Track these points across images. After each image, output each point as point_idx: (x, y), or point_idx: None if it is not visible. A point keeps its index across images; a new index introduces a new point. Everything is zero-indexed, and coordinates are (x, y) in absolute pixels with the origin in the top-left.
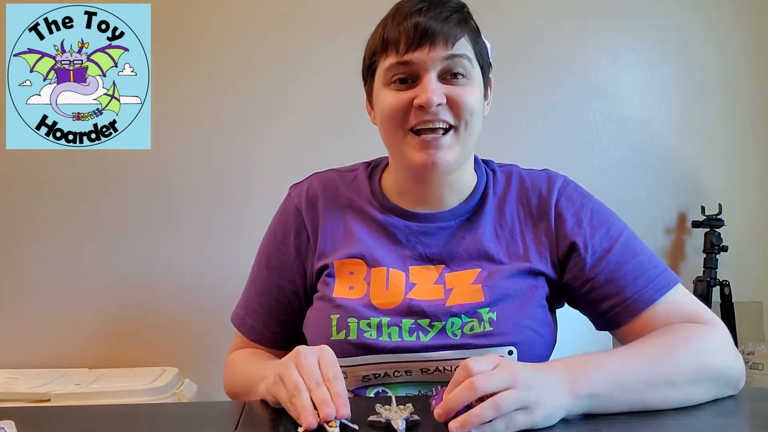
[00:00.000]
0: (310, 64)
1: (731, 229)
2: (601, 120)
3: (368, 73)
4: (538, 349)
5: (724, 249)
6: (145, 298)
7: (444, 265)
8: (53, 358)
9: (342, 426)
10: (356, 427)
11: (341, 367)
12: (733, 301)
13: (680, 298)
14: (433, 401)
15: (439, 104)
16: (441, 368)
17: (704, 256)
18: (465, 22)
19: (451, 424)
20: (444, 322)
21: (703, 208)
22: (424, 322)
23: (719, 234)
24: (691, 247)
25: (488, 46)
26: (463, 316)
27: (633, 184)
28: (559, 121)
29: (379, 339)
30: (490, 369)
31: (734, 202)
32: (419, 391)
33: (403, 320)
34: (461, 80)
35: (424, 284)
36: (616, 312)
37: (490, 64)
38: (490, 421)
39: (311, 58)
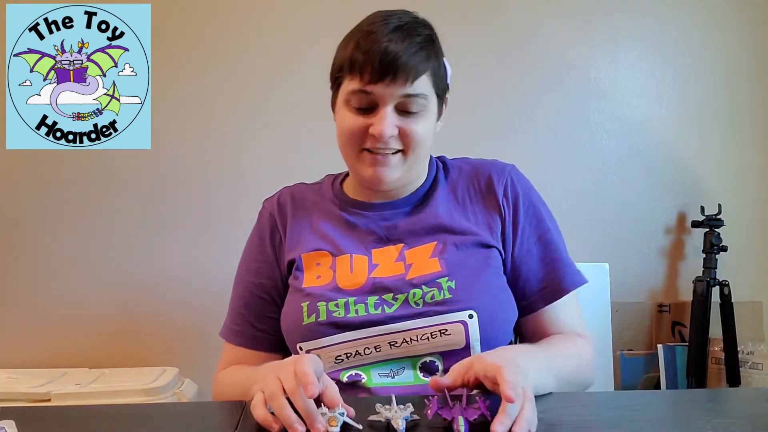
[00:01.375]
0: (312, 63)
1: (731, 229)
2: (601, 120)
3: (334, 82)
4: (497, 312)
5: (724, 249)
6: (145, 298)
7: (402, 243)
8: (53, 358)
9: (344, 426)
10: (360, 426)
11: (314, 350)
12: (732, 301)
13: (575, 300)
14: (429, 411)
15: (390, 136)
16: (408, 339)
17: (704, 256)
18: (430, 56)
19: (515, 429)
20: (406, 293)
21: (702, 208)
22: (388, 296)
23: (719, 234)
24: (691, 247)
25: (449, 70)
26: (423, 286)
27: (633, 184)
28: (559, 121)
29: (347, 316)
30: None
31: (734, 202)
32: (390, 370)
33: (369, 297)
34: (415, 115)
35: (386, 263)
36: (535, 299)
37: (447, 88)
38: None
39: (312, 59)
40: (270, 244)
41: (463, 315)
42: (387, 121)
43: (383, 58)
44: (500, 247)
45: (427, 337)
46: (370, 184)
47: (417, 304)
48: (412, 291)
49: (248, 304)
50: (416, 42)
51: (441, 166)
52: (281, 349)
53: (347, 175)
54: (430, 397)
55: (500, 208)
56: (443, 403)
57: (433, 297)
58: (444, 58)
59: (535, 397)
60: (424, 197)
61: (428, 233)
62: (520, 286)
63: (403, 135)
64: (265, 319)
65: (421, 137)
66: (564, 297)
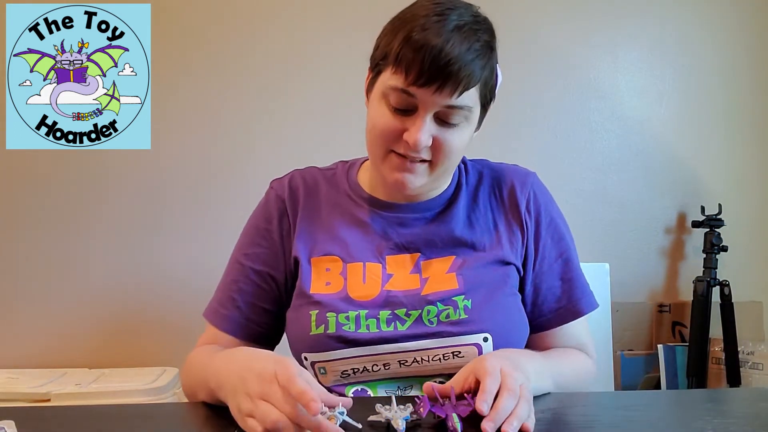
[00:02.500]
0: (312, 64)
1: (731, 229)
2: (601, 120)
3: (374, 67)
4: (512, 335)
5: (724, 249)
6: (145, 298)
7: (419, 253)
8: (53, 358)
9: (344, 424)
10: (359, 425)
11: (320, 362)
12: (733, 301)
13: (585, 320)
14: (421, 410)
15: (425, 146)
16: (419, 359)
17: (704, 256)
18: (485, 66)
19: (505, 427)
20: (420, 311)
21: (703, 208)
22: (401, 311)
23: (719, 234)
24: (691, 247)
25: (500, 79)
26: (438, 303)
27: (633, 184)
28: (559, 121)
29: (358, 331)
30: (498, 371)
31: (734, 202)
32: (398, 388)
33: (381, 311)
34: (453, 126)
35: (401, 274)
36: (550, 317)
37: (493, 98)
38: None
39: (312, 58)
40: (278, 230)
41: (477, 338)
42: (423, 130)
43: (435, 62)
44: (519, 264)
45: (439, 359)
46: (392, 189)
47: (431, 322)
48: (426, 308)
49: (242, 290)
50: (474, 48)
51: (462, 167)
52: (266, 344)
53: (362, 163)
54: (421, 396)
55: (522, 222)
56: (434, 401)
57: (448, 316)
58: (497, 65)
59: (535, 397)
60: (446, 204)
61: (447, 245)
62: (536, 304)
63: (435, 145)
64: (257, 309)
65: (453, 150)
66: (577, 320)
